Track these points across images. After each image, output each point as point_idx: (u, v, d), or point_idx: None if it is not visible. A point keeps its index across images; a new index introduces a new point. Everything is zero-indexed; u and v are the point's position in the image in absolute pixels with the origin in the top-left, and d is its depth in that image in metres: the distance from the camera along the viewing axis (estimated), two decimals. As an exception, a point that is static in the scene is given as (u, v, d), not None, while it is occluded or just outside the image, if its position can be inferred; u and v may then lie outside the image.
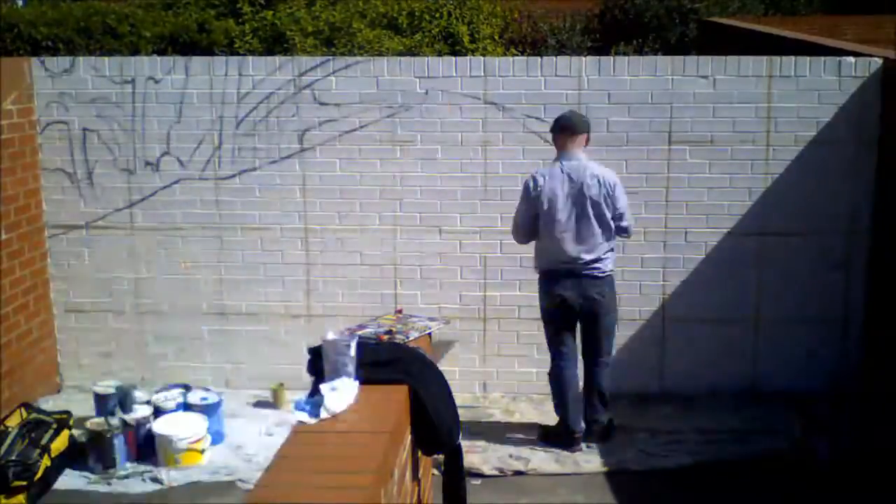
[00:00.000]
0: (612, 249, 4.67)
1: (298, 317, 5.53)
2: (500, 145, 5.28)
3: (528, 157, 5.26)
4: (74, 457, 4.54)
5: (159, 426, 4.67)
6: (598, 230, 4.55)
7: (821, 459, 4.52)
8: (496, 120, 5.26)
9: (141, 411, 4.78)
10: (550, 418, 5.11)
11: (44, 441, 4.43)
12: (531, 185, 4.63)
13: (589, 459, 4.67)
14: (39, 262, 5.39)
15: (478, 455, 4.69)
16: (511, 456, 4.70)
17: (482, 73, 5.23)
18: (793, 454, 4.60)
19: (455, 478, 3.31)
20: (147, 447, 4.68)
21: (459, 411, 4.66)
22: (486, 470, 4.57)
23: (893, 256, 5.02)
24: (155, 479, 4.51)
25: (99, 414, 4.77)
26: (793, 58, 5.18)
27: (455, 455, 3.26)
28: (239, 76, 5.31)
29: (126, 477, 4.52)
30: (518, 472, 4.56)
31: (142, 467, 4.59)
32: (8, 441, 4.38)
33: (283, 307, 5.53)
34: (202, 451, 4.66)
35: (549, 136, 5.19)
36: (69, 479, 4.49)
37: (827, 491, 4.24)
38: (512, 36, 9.68)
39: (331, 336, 2.62)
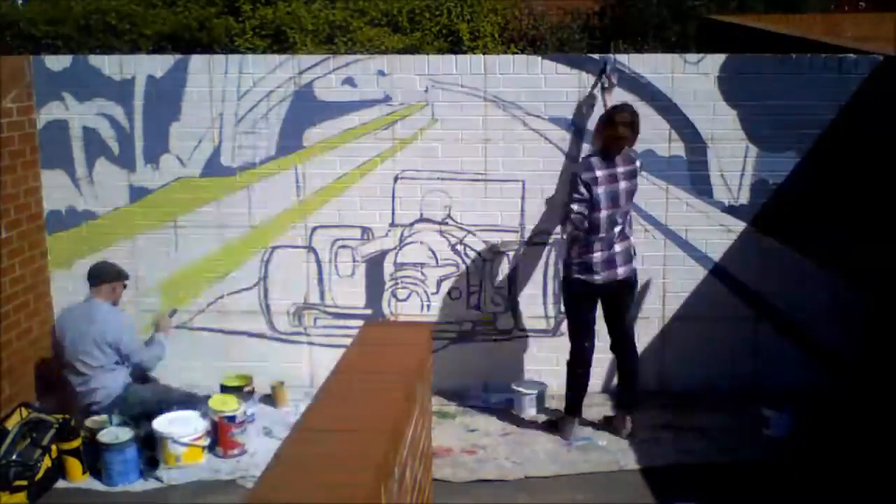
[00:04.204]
0: None
1: (300, 315, 5.53)
2: (501, 143, 5.28)
3: (528, 155, 5.26)
4: (79, 458, 4.53)
5: (160, 425, 4.67)
6: None
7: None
8: (496, 117, 5.25)
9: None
10: (552, 416, 5.12)
11: (45, 441, 4.43)
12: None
13: (589, 459, 4.67)
14: (39, 261, 5.39)
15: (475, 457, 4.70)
16: (508, 459, 4.71)
17: (482, 71, 5.23)
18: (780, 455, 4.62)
19: None
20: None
21: (459, 409, 4.67)
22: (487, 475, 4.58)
23: (894, 253, 5.02)
24: (155, 478, 4.51)
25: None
26: (793, 55, 5.18)
27: None
28: (239, 74, 5.30)
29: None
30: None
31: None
32: (8, 441, 4.38)
33: (284, 305, 5.53)
34: (203, 450, 4.66)
35: (551, 134, 5.22)
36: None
37: (821, 491, 4.24)
38: (512, 34, 9.66)
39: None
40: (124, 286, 5.01)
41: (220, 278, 5.51)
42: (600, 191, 4.54)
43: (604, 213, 4.57)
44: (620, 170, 4.63)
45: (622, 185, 4.62)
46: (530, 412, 5.20)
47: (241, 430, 4.75)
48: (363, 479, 1.90)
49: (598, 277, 4.66)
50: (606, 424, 5.02)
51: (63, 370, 4.83)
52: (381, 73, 5.25)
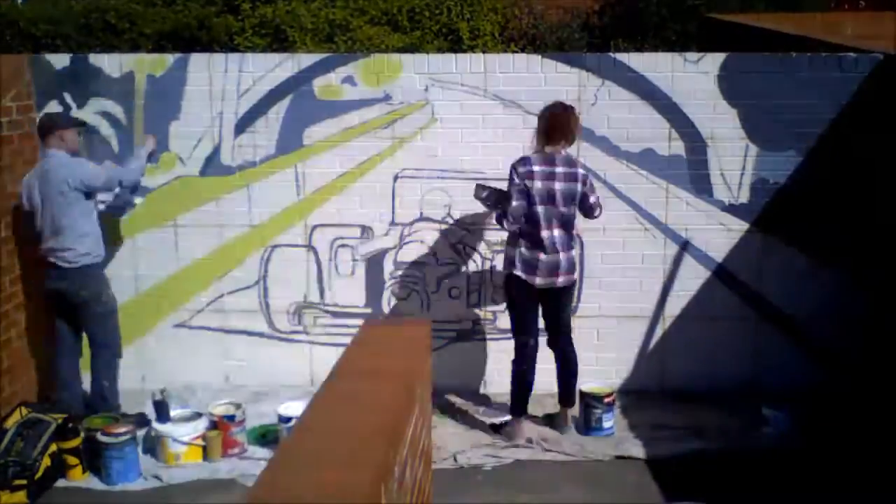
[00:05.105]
0: None
1: (300, 313, 5.53)
2: (501, 142, 5.27)
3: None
4: (79, 457, 4.52)
5: (160, 424, 4.66)
6: None
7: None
8: (496, 116, 5.24)
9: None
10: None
11: (44, 440, 4.43)
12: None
13: (589, 457, 4.68)
14: (39, 260, 5.37)
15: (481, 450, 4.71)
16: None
17: (482, 70, 5.22)
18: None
19: None
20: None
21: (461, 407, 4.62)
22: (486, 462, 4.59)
23: (895, 253, 5.01)
24: (156, 477, 4.51)
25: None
26: (793, 54, 5.17)
27: None
28: (239, 73, 5.30)
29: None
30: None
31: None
32: (7, 440, 4.38)
33: (284, 304, 5.53)
34: (203, 449, 4.66)
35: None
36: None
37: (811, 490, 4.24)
38: (512, 33, 9.67)
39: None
40: (78, 133, 4.91)
41: (220, 277, 5.50)
42: (538, 186, 4.53)
43: (540, 209, 4.54)
44: (559, 170, 4.57)
45: (558, 185, 4.56)
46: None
47: (240, 429, 4.75)
48: (363, 478, 1.89)
49: (540, 280, 4.60)
50: (548, 422, 4.99)
51: (42, 246, 4.77)
52: (381, 71, 5.25)
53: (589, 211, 4.74)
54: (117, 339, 4.99)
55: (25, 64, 5.30)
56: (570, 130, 4.63)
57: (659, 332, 5.45)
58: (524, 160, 4.60)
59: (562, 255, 4.59)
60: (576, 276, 4.74)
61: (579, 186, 4.59)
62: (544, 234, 4.56)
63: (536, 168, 4.55)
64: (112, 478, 4.44)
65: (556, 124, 4.61)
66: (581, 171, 4.63)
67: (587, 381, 5.16)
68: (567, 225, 4.63)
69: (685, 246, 5.34)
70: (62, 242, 4.71)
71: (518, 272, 4.62)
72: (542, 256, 4.57)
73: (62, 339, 4.95)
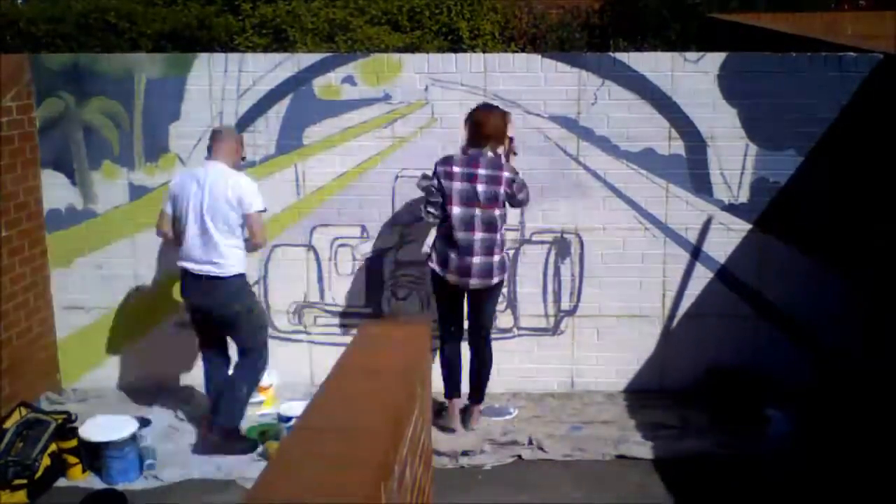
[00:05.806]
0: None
1: (301, 313, 5.53)
2: (501, 142, 5.26)
3: (528, 153, 5.24)
4: (79, 456, 4.52)
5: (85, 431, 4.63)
6: None
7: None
8: (496, 116, 5.24)
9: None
10: (553, 414, 5.11)
11: (44, 440, 4.43)
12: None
13: (588, 454, 4.68)
14: (39, 259, 5.38)
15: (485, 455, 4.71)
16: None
17: (482, 69, 5.22)
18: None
19: None
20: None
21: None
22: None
23: (894, 251, 5.01)
24: (156, 477, 4.51)
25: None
26: (793, 54, 5.17)
27: None
28: (239, 72, 5.30)
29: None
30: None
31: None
32: (6, 440, 4.38)
33: (284, 304, 5.52)
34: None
35: (551, 133, 5.21)
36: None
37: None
38: (512, 32, 9.65)
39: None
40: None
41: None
42: (455, 186, 4.63)
43: (456, 210, 4.63)
44: (482, 171, 4.64)
45: (480, 186, 4.62)
46: None
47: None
48: (363, 478, 1.89)
49: (452, 277, 4.69)
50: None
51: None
52: (381, 71, 5.24)
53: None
54: None
55: (25, 64, 5.30)
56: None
57: (659, 332, 5.45)
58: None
59: (476, 258, 4.64)
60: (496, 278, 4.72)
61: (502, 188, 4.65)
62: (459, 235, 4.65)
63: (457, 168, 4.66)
64: (112, 477, 4.45)
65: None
66: (507, 174, 4.67)
67: (589, 381, 5.16)
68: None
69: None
70: None
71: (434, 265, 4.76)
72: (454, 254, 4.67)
73: None
